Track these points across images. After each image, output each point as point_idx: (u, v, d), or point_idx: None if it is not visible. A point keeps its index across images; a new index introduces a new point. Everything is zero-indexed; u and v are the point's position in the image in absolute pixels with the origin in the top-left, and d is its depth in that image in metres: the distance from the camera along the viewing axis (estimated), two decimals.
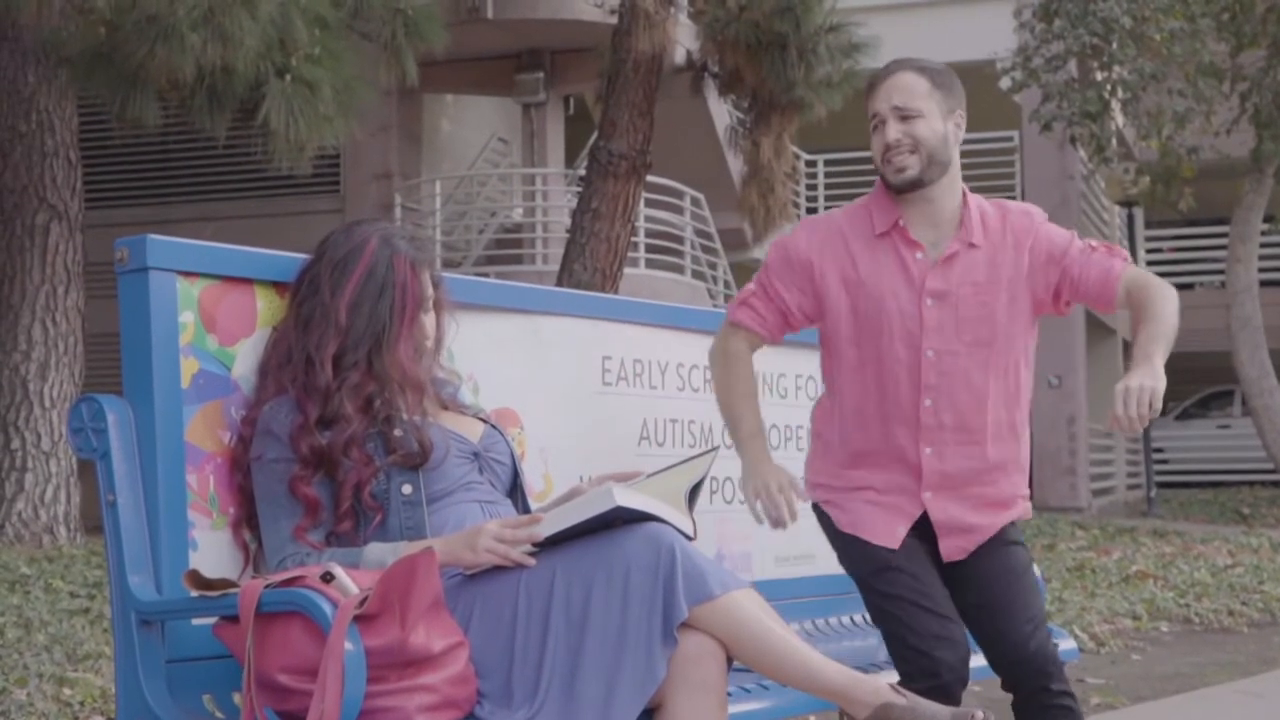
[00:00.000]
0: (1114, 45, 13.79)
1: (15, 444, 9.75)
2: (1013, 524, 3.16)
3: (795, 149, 12.61)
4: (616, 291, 9.80)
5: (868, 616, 4.13)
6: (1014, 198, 8.27)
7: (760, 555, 3.93)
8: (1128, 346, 19.78)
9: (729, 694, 2.60)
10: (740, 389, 3.22)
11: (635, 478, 2.76)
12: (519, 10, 13.54)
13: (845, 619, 4.07)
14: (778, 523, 3.05)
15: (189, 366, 2.70)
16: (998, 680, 3.14)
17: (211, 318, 2.75)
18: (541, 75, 14.45)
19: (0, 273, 10.04)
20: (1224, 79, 14.85)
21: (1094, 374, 18.24)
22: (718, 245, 16.06)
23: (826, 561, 4.12)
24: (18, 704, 4.67)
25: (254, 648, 2.39)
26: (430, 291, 2.87)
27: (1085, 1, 13.68)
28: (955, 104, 3.08)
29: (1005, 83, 14.55)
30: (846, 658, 3.02)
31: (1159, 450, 20.25)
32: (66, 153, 10.16)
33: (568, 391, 3.48)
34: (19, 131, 10.04)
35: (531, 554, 2.57)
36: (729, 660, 2.52)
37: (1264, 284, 17.37)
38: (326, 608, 2.31)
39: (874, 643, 3.88)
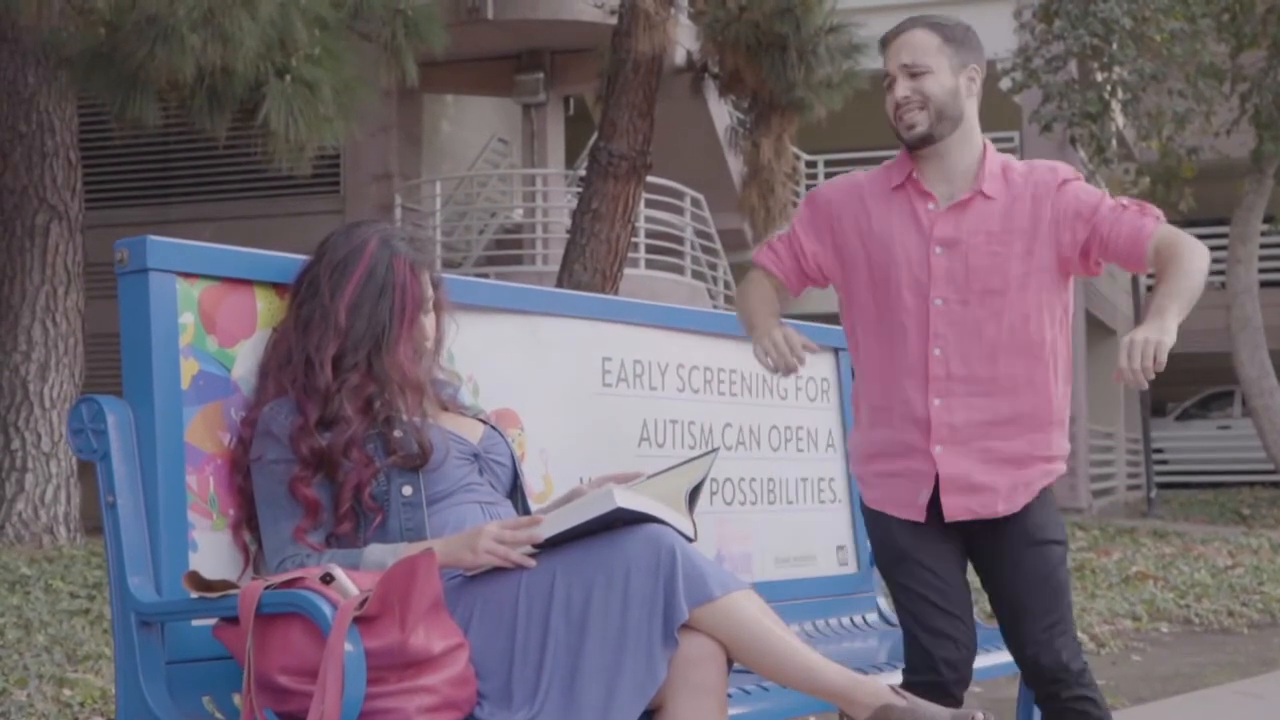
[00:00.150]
0: (1114, 46, 13.80)
1: (15, 444, 9.75)
2: (1045, 515, 3.07)
3: (795, 150, 12.61)
4: (616, 292, 9.80)
5: (867, 618, 4.16)
6: None
7: (760, 556, 3.93)
8: None
9: (729, 695, 2.60)
10: (756, 295, 3.22)
11: (635, 479, 2.76)
12: (519, 11, 13.54)
13: (845, 620, 4.08)
14: (788, 369, 3.04)
15: (189, 368, 2.70)
16: (999, 680, 3.15)
17: (211, 319, 2.75)
18: (541, 76, 14.45)
19: (0, 273, 10.04)
20: (1224, 80, 14.85)
21: (1094, 374, 18.24)
22: (718, 246, 16.06)
23: (826, 563, 4.14)
24: (18, 705, 4.67)
25: (254, 649, 2.39)
26: (430, 293, 2.87)
27: (1085, 2, 13.68)
28: (969, 58, 3.08)
29: (1005, 83, 14.55)
30: (846, 659, 3.01)
31: (1159, 451, 20.24)
32: (66, 153, 10.16)
33: (568, 392, 3.48)
34: (19, 132, 10.04)
35: (532, 555, 2.57)
36: (729, 662, 2.52)
37: (1264, 284, 17.38)
38: (326, 609, 2.31)
39: (874, 644, 3.88)
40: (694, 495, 2.76)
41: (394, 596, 2.35)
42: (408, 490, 2.71)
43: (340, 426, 2.68)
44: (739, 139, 12.12)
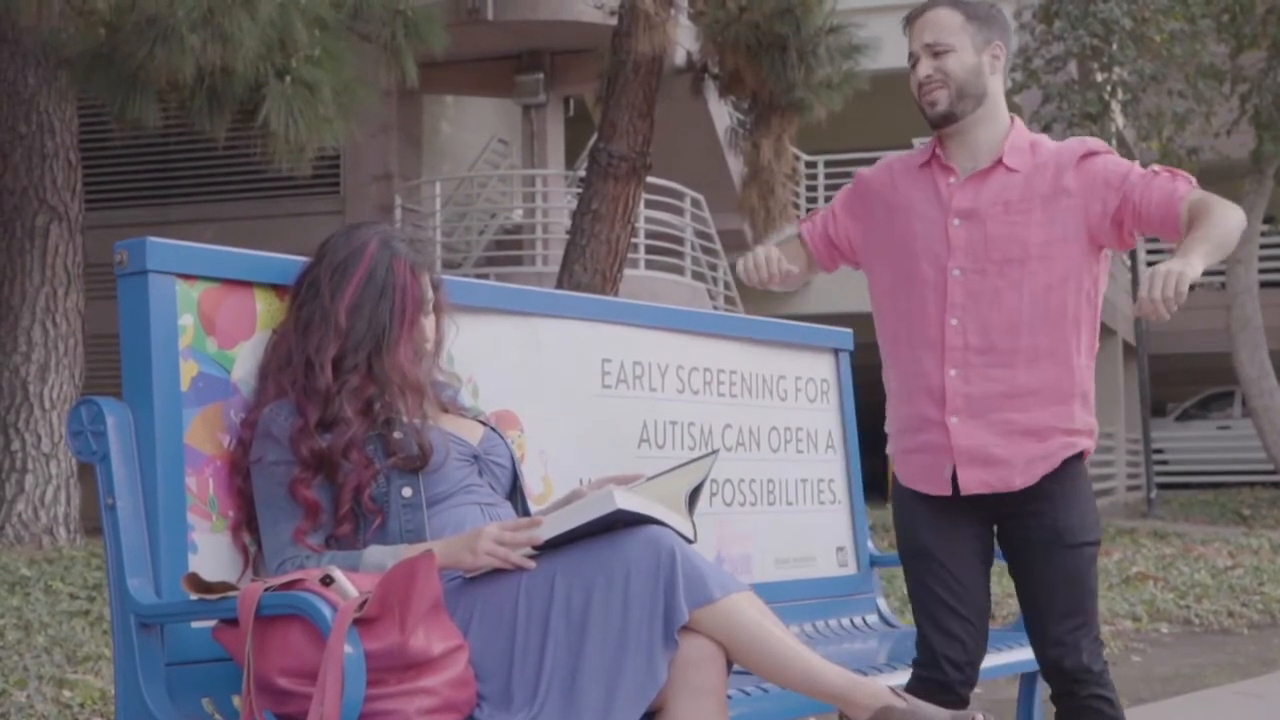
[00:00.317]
0: (1114, 46, 13.79)
1: (15, 445, 9.75)
2: (1079, 514, 3.03)
3: (795, 150, 12.61)
4: (617, 293, 9.80)
5: (867, 619, 4.16)
6: None
7: (760, 558, 3.93)
8: (1129, 348, 19.88)
9: (729, 697, 2.60)
10: (781, 242, 3.33)
11: (635, 480, 2.76)
12: (519, 11, 13.54)
13: (845, 621, 4.08)
14: (761, 283, 3.19)
15: (188, 369, 2.70)
16: (999, 681, 3.15)
17: (211, 320, 2.75)
18: (541, 76, 14.45)
19: (0, 274, 10.04)
20: (1224, 80, 14.85)
21: (1094, 375, 18.22)
22: (718, 246, 16.06)
23: (826, 564, 4.14)
24: (17, 706, 4.67)
25: (253, 651, 2.39)
26: (430, 294, 2.87)
27: (1085, 3, 13.68)
28: (992, 35, 3.09)
29: (1005, 84, 14.53)
30: (846, 660, 3.01)
31: (1159, 451, 20.25)
32: (66, 154, 10.16)
33: (567, 394, 3.48)
34: (19, 133, 10.04)
35: (531, 557, 2.57)
36: (729, 663, 2.52)
37: (1264, 285, 17.38)
38: (326, 611, 2.31)
39: (873, 645, 3.88)
40: (694, 497, 2.76)
41: (394, 598, 2.35)
42: (407, 492, 2.71)
43: (340, 428, 2.68)
44: (739, 139, 12.12)
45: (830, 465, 4.20)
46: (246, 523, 2.73)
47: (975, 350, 3.03)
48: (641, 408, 3.67)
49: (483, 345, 3.27)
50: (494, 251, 14.91)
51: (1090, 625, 3.03)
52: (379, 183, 14.50)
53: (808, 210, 19.95)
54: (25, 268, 9.96)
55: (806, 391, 4.16)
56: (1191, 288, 2.79)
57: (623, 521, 2.55)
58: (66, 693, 4.87)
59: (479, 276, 12.84)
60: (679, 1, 11.12)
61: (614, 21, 10.29)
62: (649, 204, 14.13)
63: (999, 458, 3.02)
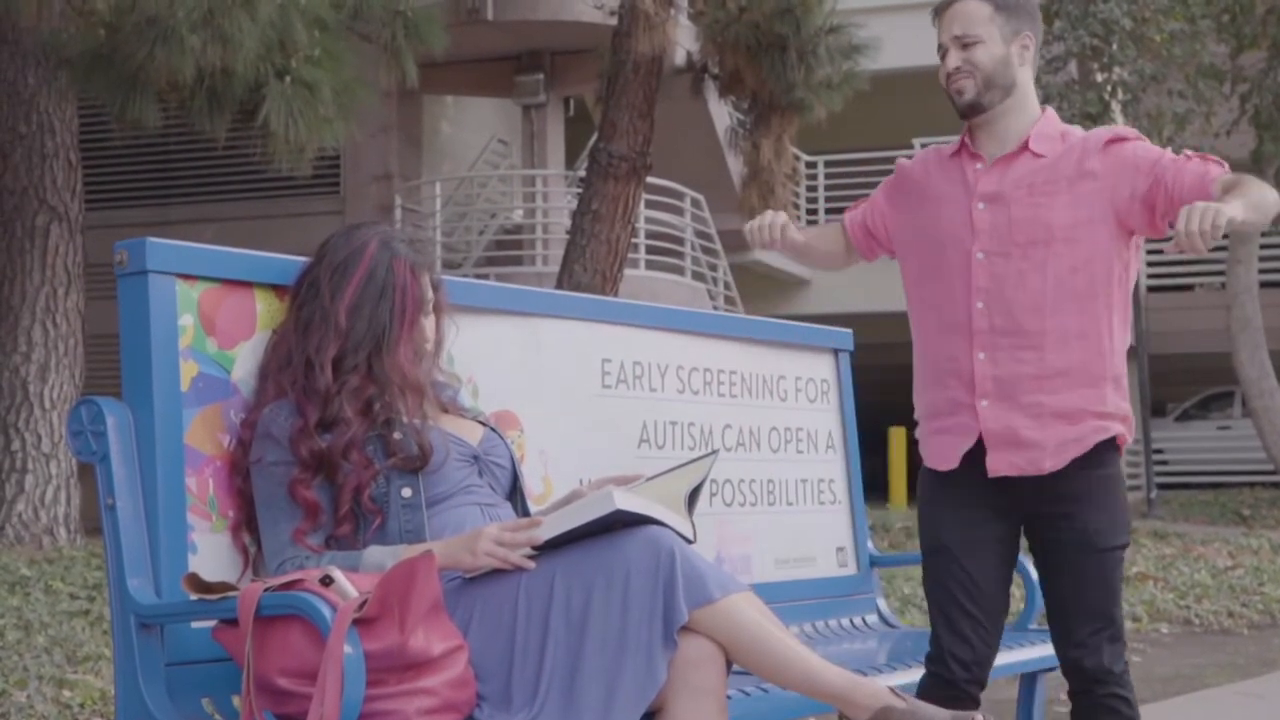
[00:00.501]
0: (1114, 46, 13.79)
1: (15, 445, 9.75)
2: (1109, 517, 3.01)
3: (795, 150, 12.61)
4: (616, 293, 9.80)
5: (867, 619, 4.16)
6: None
7: (760, 558, 3.93)
8: (1129, 348, 19.76)
9: (729, 697, 2.60)
10: (818, 226, 3.40)
11: (635, 481, 2.76)
12: (519, 12, 13.55)
13: (844, 621, 4.08)
14: (761, 244, 3.25)
15: (188, 369, 2.70)
16: (999, 681, 3.15)
17: (211, 321, 2.75)
18: (541, 77, 14.46)
19: (0, 274, 10.04)
20: (1224, 80, 14.85)
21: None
22: (718, 247, 16.07)
23: (826, 564, 4.14)
24: (17, 706, 4.67)
25: (253, 651, 2.39)
26: (430, 295, 2.87)
27: (1085, 3, 13.68)
28: (1021, 26, 3.09)
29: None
30: (846, 660, 3.02)
31: (1159, 451, 20.24)
32: (67, 154, 10.16)
33: (567, 394, 3.48)
34: (19, 133, 10.04)
35: (531, 557, 2.57)
36: (729, 663, 2.52)
37: (1264, 285, 17.36)
38: (326, 611, 2.31)
39: (873, 645, 3.88)
40: (693, 497, 2.76)
41: (393, 598, 2.35)
42: (407, 492, 2.71)
43: (340, 428, 2.68)
44: (739, 140, 12.12)
45: (830, 465, 4.20)
46: (246, 523, 2.73)
47: (1002, 333, 3.03)
48: (641, 408, 3.67)
49: (483, 345, 3.27)
50: (494, 251, 14.91)
51: (1113, 627, 3.03)
52: (379, 183, 14.50)
53: (808, 210, 19.98)
54: (25, 268, 9.96)
55: (806, 392, 4.16)
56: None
57: (622, 522, 2.55)
58: (66, 693, 4.87)
59: (479, 277, 12.84)
60: (679, 1, 11.12)
61: (614, 21, 10.29)
62: (649, 204, 14.14)
63: (1028, 440, 3.00)
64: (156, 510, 2.61)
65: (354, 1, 9.79)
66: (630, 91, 9.97)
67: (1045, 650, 3.66)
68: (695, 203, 15.35)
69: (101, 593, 6.97)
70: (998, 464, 3.02)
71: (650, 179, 10.83)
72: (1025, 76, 3.11)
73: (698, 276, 15.59)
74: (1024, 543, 3.17)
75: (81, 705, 4.76)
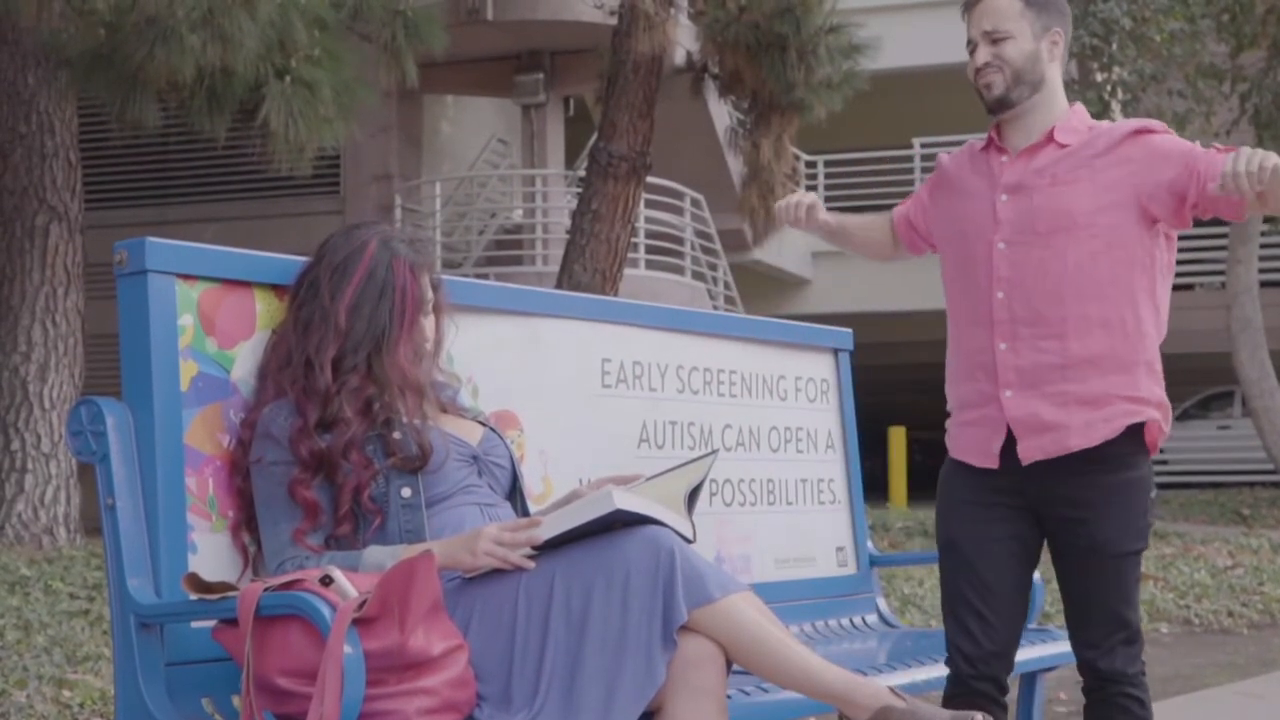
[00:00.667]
0: (1114, 46, 13.79)
1: (15, 445, 9.75)
2: (1128, 522, 3.00)
3: (795, 150, 12.61)
4: (617, 293, 9.81)
5: (867, 619, 4.17)
6: None
7: (760, 558, 3.93)
8: None
9: (728, 697, 2.60)
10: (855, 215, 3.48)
11: (635, 480, 2.75)
12: (519, 11, 13.55)
13: (844, 621, 4.08)
14: (790, 221, 3.34)
15: (188, 369, 2.70)
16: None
17: (210, 320, 2.75)
18: (541, 76, 14.46)
19: (0, 274, 10.04)
20: (1224, 80, 14.84)
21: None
22: (718, 246, 16.07)
23: (826, 564, 4.14)
24: (17, 706, 4.67)
25: (253, 651, 2.39)
26: (430, 294, 2.87)
27: (1085, 2, 13.68)
28: (1051, 22, 3.09)
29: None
30: (846, 660, 3.02)
31: (1159, 451, 20.24)
32: (66, 154, 10.16)
33: (567, 394, 3.48)
34: (19, 133, 10.04)
35: (531, 557, 2.57)
36: (728, 663, 2.52)
37: (1264, 285, 17.36)
38: (325, 611, 2.31)
39: (873, 645, 3.88)
40: (693, 497, 2.76)
41: (393, 598, 2.35)
42: (407, 492, 2.71)
43: (340, 428, 2.68)
44: (739, 139, 12.12)
45: (830, 465, 4.21)
46: (246, 523, 2.73)
47: (1023, 322, 3.02)
48: (641, 408, 3.67)
49: (483, 345, 3.27)
50: (494, 251, 14.91)
51: (1127, 630, 3.02)
52: (379, 183, 14.50)
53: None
54: (25, 267, 9.96)
55: (806, 391, 4.16)
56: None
57: (622, 521, 2.55)
58: (66, 693, 4.87)
59: (479, 276, 12.84)
60: (679, 1, 11.13)
61: (614, 21, 10.29)
62: (649, 204, 14.14)
63: (1052, 422, 2.99)
64: (156, 510, 2.61)
65: (354, 1, 9.79)
66: (630, 91, 9.97)
67: (1045, 650, 3.66)
68: (695, 202, 15.35)
69: (101, 592, 6.97)
70: (1028, 451, 3.01)
71: (650, 179, 10.84)
72: (1054, 72, 3.12)
73: (698, 276, 15.59)
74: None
75: (81, 705, 4.76)
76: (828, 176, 20.33)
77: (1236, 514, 14.53)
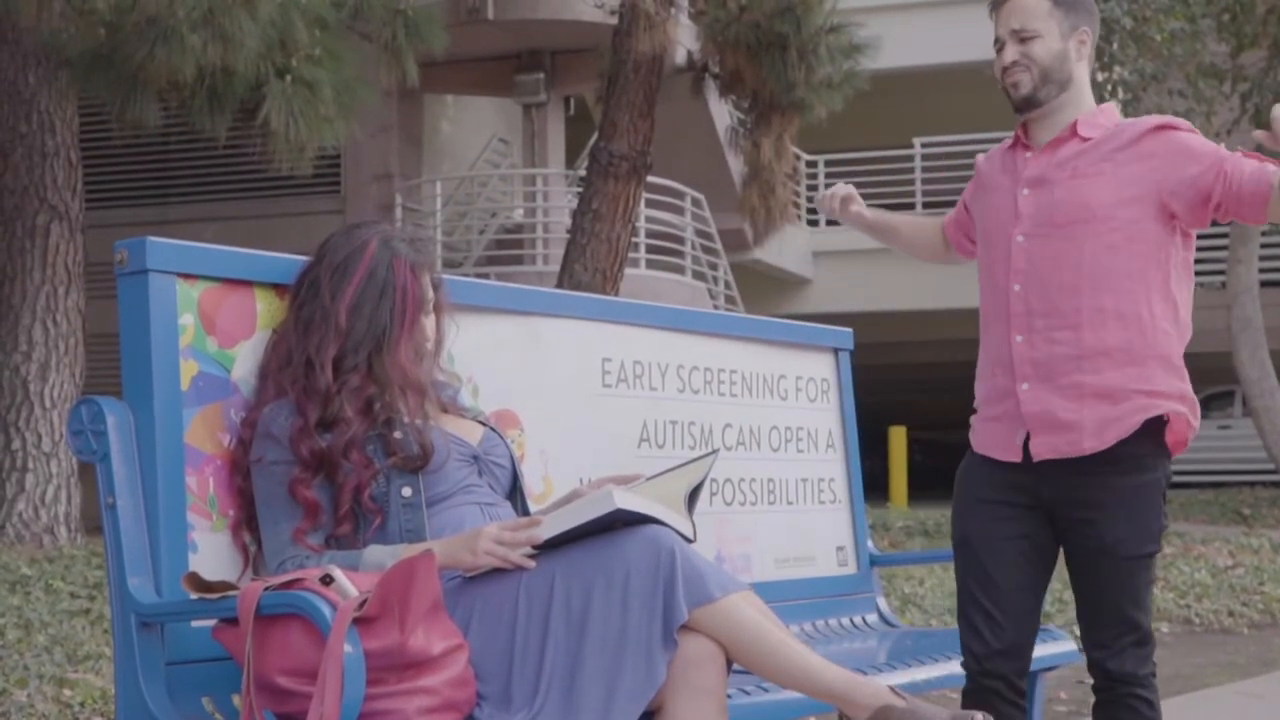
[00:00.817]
0: (1114, 46, 13.79)
1: (16, 444, 9.76)
2: (1141, 524, 2.99)
3: (796, 150, 12.61)
4: (617, 292, 9.81)
5: (867, 619, 4.17)
6: None
7: (760, 557, 3.93)
8: None
9: (729, 696, 2.60)
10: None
11: (635, 480, 2.76)
12: (519, 11, 13.55)
13: (845, 621, 4.08)
14: (828, 211, 3.44)
15: (189, 369, 2.70)
16: None
17: (211, 320, 2.75)
18: (542, 76, 14.46)
19: (1, 273, 10.05)
20: (1224, 80, 14.84)
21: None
22: (718, 246, 16.07)
23: (826, 563, 4.14)
24: (18, 705, 4.67)
25: (253, 650, 2.39)
26: (430, 294, 2.87)
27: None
28: (1079, 21, 3.09)
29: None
30: (846, 660, 3.02)
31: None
32: (67, 153, 10.17)
33: (568, 393, 3.48)
34: (20, 132, 10.05)
35: (531, 556, 2.57)
36: (729, 663, 2.52)
37: (1264, 284, 17.36)
38: (326, 610, 2.31)
39: (873, 644, 3.88)
40: (693, 496, 2.76)
41: (393, 598, 2.35)
42: (407, 492, 2.71)
43: (340, 428, 2.69)
44: (739, 139, 12.13)
45: (830, 465, 4.21)
46: (246, 522, 2.74)
47: (1038, 314, 3.03)
48: (642, 407, 3.67)
49: (483, 345, 3.27)
50: (494, 251, 14.92)
51: (1138, 632, 3.01)
52: (379, 182, 14.51)
53: (808, 211, 19.97)
54: (26, 267, 9.97)
55: (807, 391, 4.16)
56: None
57: (622, 521, 2.55)
58: (67, 692, 4.87)
59: (479, 276, 12.84)
60: (679, 1, 11.13)
61: (614, 21, 10.30)
62: (649, 203, 14.14)
63: (1066, 422, 2.99)
64: (157, 509, 2.61)
65: (354, 0, 9.79)
66: (631, 91, 9.97)
67: (1045, 650, 3.66)
68: (696, 202, 15.35)
69: (102, 592, 6.97)
70: (1040, 448, 3.01)
71: (651, 178, 10.84)
72: (1081, 72, 3.11)
73: (698, 276, 15.59)
74: None
75: (82, 704, 4.76)
76: (828, 176, 20.33)
77: (1237, 514, 14.53)
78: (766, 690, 2.87)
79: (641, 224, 13.97)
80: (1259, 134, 2.83)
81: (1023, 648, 3.09)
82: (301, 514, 2.66)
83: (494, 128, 16.27)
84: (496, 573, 2.58)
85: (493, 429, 2.96)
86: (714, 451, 3.13)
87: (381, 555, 2.60)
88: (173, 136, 12.87)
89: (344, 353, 2.74)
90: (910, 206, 19.43)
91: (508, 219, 15.63)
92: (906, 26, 18.41)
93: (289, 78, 9.09)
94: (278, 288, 2.85)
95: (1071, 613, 7.39)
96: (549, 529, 2.57)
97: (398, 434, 2.71)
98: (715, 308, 15.05)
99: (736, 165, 12.92)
